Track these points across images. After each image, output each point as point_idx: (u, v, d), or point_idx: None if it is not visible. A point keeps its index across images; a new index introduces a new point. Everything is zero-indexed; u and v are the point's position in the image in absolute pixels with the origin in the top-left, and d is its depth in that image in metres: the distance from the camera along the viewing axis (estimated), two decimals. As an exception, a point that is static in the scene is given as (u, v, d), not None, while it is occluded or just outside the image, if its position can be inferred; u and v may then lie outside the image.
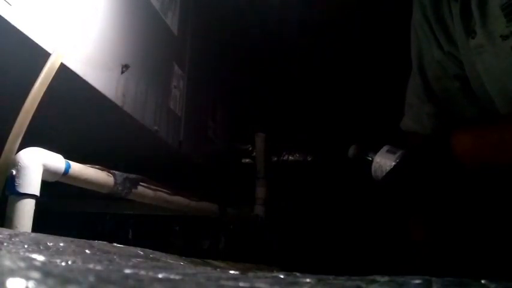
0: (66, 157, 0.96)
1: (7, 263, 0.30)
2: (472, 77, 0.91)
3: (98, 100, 1.05)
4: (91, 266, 0.41)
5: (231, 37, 2.03)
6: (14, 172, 0.84)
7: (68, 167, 0.96)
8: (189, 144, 1.59)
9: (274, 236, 2.13)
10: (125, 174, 1.15)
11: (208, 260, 1.00)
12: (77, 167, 0.99)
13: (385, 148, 0.94)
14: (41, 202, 0.88)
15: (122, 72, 1.13)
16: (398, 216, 1.08)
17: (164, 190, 1.34)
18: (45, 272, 0.28)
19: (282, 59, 2.22)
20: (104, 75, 1.05)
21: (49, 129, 1.01)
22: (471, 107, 0.95)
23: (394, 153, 0.93)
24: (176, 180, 1.47)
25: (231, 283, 0.35)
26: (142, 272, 0.36)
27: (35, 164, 0.86)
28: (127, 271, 0.37)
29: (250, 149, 2.24)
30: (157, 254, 0.67)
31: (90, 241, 0.61)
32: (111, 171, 1.12)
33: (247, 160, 2.25)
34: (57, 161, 0.93)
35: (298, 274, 0.42)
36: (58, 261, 0.40)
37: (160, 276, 0.36)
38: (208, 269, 0.56)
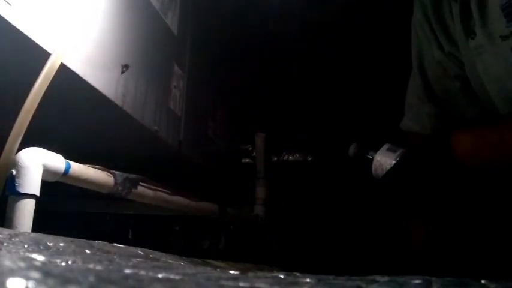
0: (66, 157, 0.96)
1: (7, 263, 0.30)
2: (473, 77, 0.91)
3: (98, 100, 1.05)
4: (91, 266, 0.41)
5: (231, 37, 2.03)
6: (14, 172, 0.84)
7: (68, 167, 0.96)
8: (189, 144, 1.59)
9: (274, 236, 2.13)
10: (125, 174, 1.15)
11: (208, 260, 1.00)
12: (77, 167, 0.99)
13: (385, 147, 0.95)
14: (41, 202, 0.88)
15: (122, 72, 1.13)
16: (398, 215, 1.08)
17: (164, 190, 1.34)
18: (45, 272, 0.28)
19: (282, 58, 2.22)
20: (104, 75, 1.05)
21: (49, 129, 1.01)
22: (471, 107, 0.95)
23: (394, 151, 0.93)
24: (176, 180, 1.47)
25: (231, 283, 0.35)
26: (142, 272, 0.36)
27: (35, 164, 0.86)
28: (127, 271, 0.37)
29: (250, 149, 2.24)
30: (157, 254, 0.67)
31: (90, 241, 0.61)
32: (111, 171, 1.12)
33: (247, 160, 2.25)
34: (57, 161, 0.93)
35: (298, 274, 0.42)
36: (58, 261, 0.40)
37: (160, 276, 0.36)
38: (208, 269, 0.56)
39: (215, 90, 1.96)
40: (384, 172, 0.92)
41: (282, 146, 2.24)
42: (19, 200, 0.83)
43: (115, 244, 0.64)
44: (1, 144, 0.83)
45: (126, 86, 1.15)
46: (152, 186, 1.28)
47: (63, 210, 1.63)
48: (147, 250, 0.67)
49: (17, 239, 0.52)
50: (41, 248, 0.51)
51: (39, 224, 0.85)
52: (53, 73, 0.84)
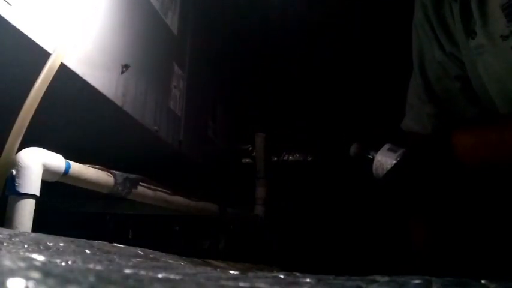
0: (66, 157, 0.96)
1: (7, 263, 0.30)
2: (473, 77, 0.91)
3: (98, 100, 1.05)
4: (91, 266, 0.41)
5: (231, 37, 2.03)
6: (14, 172, 0.84)
7: (68, 167, 0.96)
8: (189, 144, 1.59)
9: (274, 236, 2.13)
10: (125, 174, 1.15)
11: (208, 260, 1.00)
12: (77, 167, 0.99)
13: (386, 146, 0.95)
14: (41, 202, 0.88)
15: (122, 72, 1.13)
16: (398, 215, 1.08)
17: (164, 190, 1.34)
18: (45, 272, 0.28)
19: (282, 58, 2.22)
20: (104, 75, 1.05)
21: (49, 129, 1.01)
22: (472, 108, 0.95)
23: (395, 151, 0.93)
24: (176, 180, 1.47)
25: (231, 283, 0.35)
26: (142, 272, 0.36)
27: (35, 164, 0.86)
28: (127, 271, 0.37)
29: (250, 149, 2.24)
30: (157, 254, 0.67)
31: (90, 241, 0.61)
32: (111, 171, 1.12)
33: (247, 160, 2.25)
34: (57, 161, 0.93)
35: (298, 274, 0.42)
36: (58, 261, 0.40)
37: (160, 276, 0.36)
38: (208, 269, 0.56)
39: (215, 90, 1.96)
40: (385, 172, 0.92)
41: (282, 146, 2.24)
42: (19, 200, 0.83)
43: (115, 244, 0.64)
44: (1, 144, 0.83)
45: (126, 86, 1.15)
46: (152, 186, 1.28)
47: (63, 210, 1.63)
48: (147, 250, 0.67)
49: (17, 239, 0.52)
50: (41, 248, 0.51)
51: (39, 224, 0.85)
52: (53, 73, 0.84)
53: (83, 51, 0.97)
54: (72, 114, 1.13)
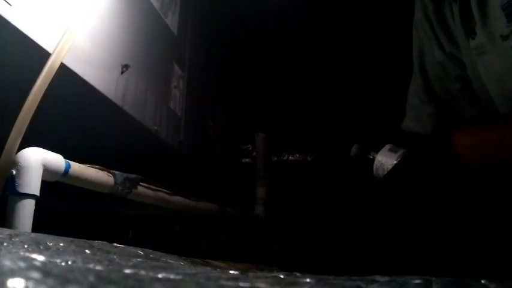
0: (66, 157, 0.96)
1: (7, 263, 0.30)
2: (473, 77, 0.91)
3: (98, 100, 1.05)
4: (91, 266, 0.41)
5: (231, 37, 2.03)
6: (14, 172, 0.84)
7: (68, 167, 0.96)
8: (189, 144, 1.59)
9: (274, 236, 2.13)
10: (125, 174, 1.15)
11: (208, 260, 1.00)
12: (77, 167, 0.99)
13: (386, 147, 0.95)
14: (41, 202, 0.87)
15: (122, 72, 1.13)
16: (398, 215, 1.08)
17: (164, 190, 1.34)
18: (45, 272, 0.28)
19: (283, 58, 2.22)
20: (104, 75, 1.05)
21: (49, 129, 1.01)
22: (472, 108, 0.95)
23: (395, 152, 0.93)
24: (176, 180, 1.47)
25: (231, 283, 0.35)
26: (142, 272, 0.36)
27: (35, 164, 0.86)
28: (127, 271, 0.37)
29: (250, 149, 2.24)
30: (157, 254, 0.67)
31: (90, 241, 0.61)
32: (111, 171, 1.12)
33: (247, 160, 2.25)
34: (57, 161, 0.93)
35: (298, 274, 0.42)
36: (58, 261, 0.40)
37: (160, 276, 0.36)
38: (208, 269, 0.56)
39: (215, 90, 1.96)
40: (385, 172, 0.92)
41: (282, 146, 2.24)
42: (19, 200, 0.83)
43: (115, 244, 0.64)
44: (1, 144, 0.83)
45: (126, 86, 1.15)
46: (152, 186, 1.28)
47: (63, 210, 1.63)
48: (147, 250, 0.67)
49: (17, 239, 0.52)
50: (41, 248, 0.51)
51: (39, 224, 0.85)
52: (53, 73, 0.84)
53: (83, 51, 0.97)
54: (73, 114, 1.13)
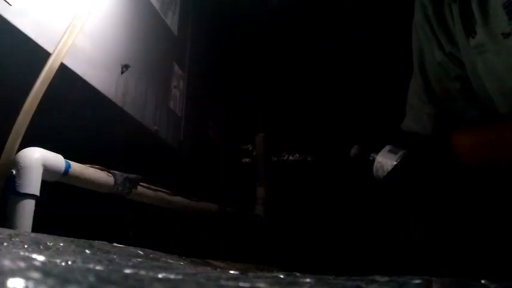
0: (66, 157, 0.96)
1: (7, 263, 0.30)
2: (473, 77, 0.91)
3: (98, 100, 1.05)
4: (91, 266, 0.41)
5: (231, 37, 2.03)
6: (14, 172, 0.84)
7: (68, 167, 0.96)
8: (189, 144, 1.59)
9: (274, 236, 2.13)
10: (125, 174, 1.15)
11: (208, 260, 1.00)
12: (77, 167, 0.99)
13: (386, 148, 0.95)
14: (41, 202, 0.87)
15: (122, 72, 1.13)
16: (398, 215, 1.08)
17: (164, 190, 1.34)
18: (45, 272, 0.28)
19: (283, 58, 2.22)
20: (104, 75, 1.05)
21: (49, 129, 1.01)
22: (471, 108, 0.95)
23: (395, 153, 0.93)
24: (176, 180, 1.47)
25: (231, 283, 0.35)
26: (142, 272, 0.36)
27: (35, 164, 0.86)
28: (127, 271, 0.37)
29: (250, 149, 2.24)
30: (157, 254, 0.67)
31: (90, 241, 0.61)
32: (111, 171, 1.12)
33: (247, 160, 2.25)
34: (57, 161, 0.93)
35: (298, 274, 0.42)
36: (58, 261, 0.40)
37: (160, 276, 0.36)
38: (208, 269, 0.56)
39: (215, 90, 1.96)
40: (385, 173, 0.92)
41: (282, 146, 2.24)
42: (19, 200, 0.83)
43: (115, 244, 0.64)
44: (1, 144, 0.83)
45: (126, 86, 1.15)
46: (152, 186, 1.28)
47: (63, 210, 1.63)
48: (147, 250, 0.67)
49: (17, 239, 0.52)
50: (41, 248, 0.51)
51: (39, 224, 0.85)
52: (53, 73, 0.84)
53: (83, 51, 0.97)
54: (72, 114, 1.13)
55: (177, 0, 1.52)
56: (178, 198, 1.42)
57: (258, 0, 1.92)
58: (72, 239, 0.58)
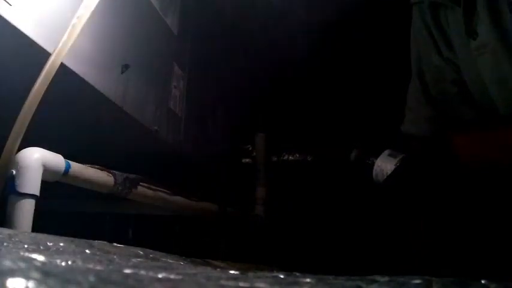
0: (66, 157, 0.96)
1: (7, 263, 0.30)
2: (471, 79, 0.91)
3: (98, 100, 1.05)
4: (91, 266, 0.41)
5: (231, 37, 2.03)
6: (14, 172, 0.84)
7: (68, 167, 0.96)
8: (189, 144, 1.59)
9: (274, 236, 2.13)
10: (125, 174, 1.15)
11: (208, 260, 1.00)
12: (77, 167, 0.99)
13: (386, 152, 0.96)
14: (41, 202, 0.87)
15: (122, 72, 1.13)
16: (398, 216, 1.09)
17: (164, 190, 1.34)
18: (45, 272, 0.28)
19: (283, 58, 2.22)
20: (104, 75, 1.05)
21: (49, 129, 1.01)
22: (469, 110, 0.96)
23: (395, 157, 0.94)
24: (176, 180, 1.47)
25: (231, 283, 0.35)
26: (142, 272, 0.36)
27: (35, 164, 0.86)
28: (127, 271, 0.37)
29: (250, 149, 2.24)
30: (157, 254, 0.67)
31: (90, 241, 0.61)
32: (111, 171, 1.12)
33: (247, 160, 2.25)
34: (57, 161, 0.93)
35: (298, 274, 0.42)
36: (58, 261, 0.40)
37: (160, 276, 0.36)
38: (208, 269, 0.56)
39: (215, 90, 1.96)
40: (385, 177, 0.93)
41: (282, 146, 2.24)
42: (19, 200, 0.83)
43: (115, 244, 0.64)
44: (1, 144, 0.83)
45: (126, 86, 1.15)
46: (152, 186, 1.28)
47: (63, 210, 1.63)
48: (147, 250, 0.67)
49: (17, 239, 0.52)
50: (41, 248, 0.51)
51: (39, 224, 0.85)
52: (53, 73, 0.84)
53: (83, 51, 0.97)
54: (72, 114, 1.13)
55: (177, 0, 1.52)
56: (178, 198, 1.42)
57: (258, 0, 1.92)
58: (72, 239, 0.58)
